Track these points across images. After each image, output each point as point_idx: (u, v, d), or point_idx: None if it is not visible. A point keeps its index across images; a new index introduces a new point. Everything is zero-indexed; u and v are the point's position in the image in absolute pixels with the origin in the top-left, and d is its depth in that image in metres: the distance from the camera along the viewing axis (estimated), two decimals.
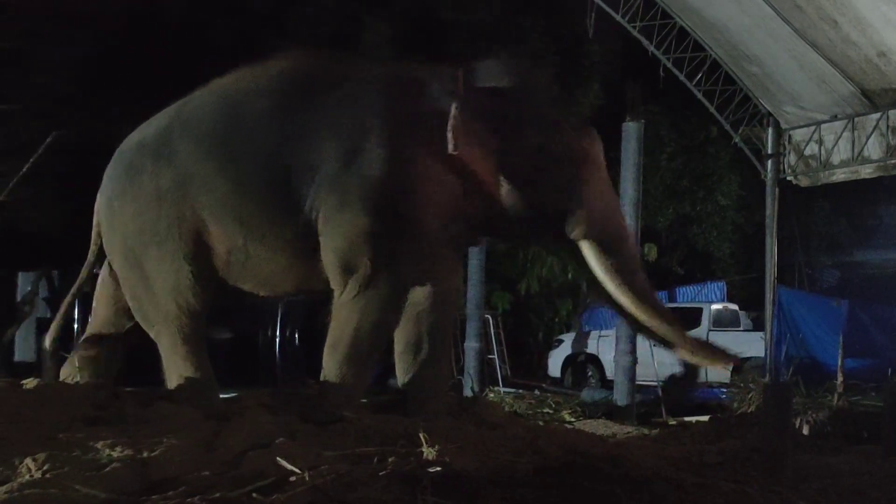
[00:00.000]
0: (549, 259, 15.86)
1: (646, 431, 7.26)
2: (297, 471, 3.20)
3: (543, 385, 13.01)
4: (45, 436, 3.56)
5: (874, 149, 10.51)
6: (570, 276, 15.91)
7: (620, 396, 9.40)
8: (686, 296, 16.08)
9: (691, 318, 13.08)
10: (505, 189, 4.43)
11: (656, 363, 8.93)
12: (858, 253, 19.93)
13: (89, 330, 5.16)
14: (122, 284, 4.83)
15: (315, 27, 13.58)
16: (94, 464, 3.26)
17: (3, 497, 2.85)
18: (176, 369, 4.63)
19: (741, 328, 13.64)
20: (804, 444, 5.83)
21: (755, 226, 15.91)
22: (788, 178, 11.61)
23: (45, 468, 3.13)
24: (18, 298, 12.11)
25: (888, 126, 10.26)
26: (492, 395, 9.85)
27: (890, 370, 8.94)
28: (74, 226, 5.91)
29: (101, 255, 5.00)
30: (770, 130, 11.42)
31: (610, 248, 4.54)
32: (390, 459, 3.38)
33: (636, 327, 4.77)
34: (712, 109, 11.51)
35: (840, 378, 8.20)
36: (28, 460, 3.18)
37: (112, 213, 4.80)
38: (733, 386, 9.46)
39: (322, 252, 4.41)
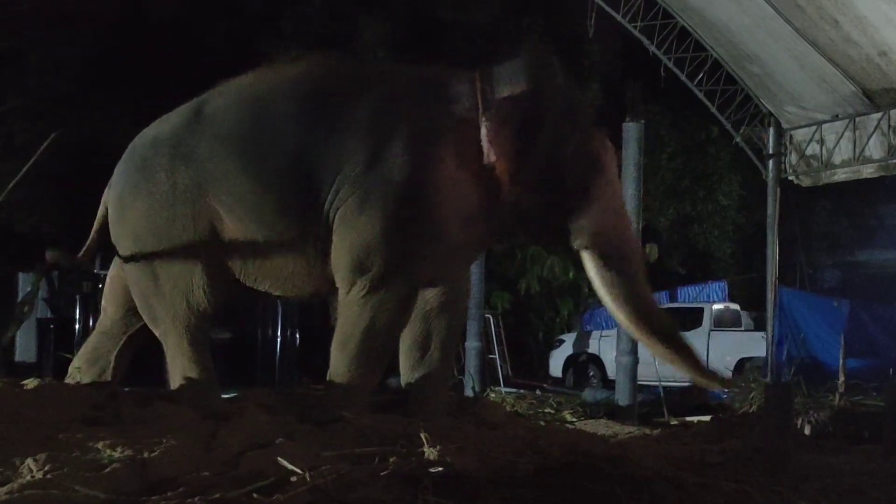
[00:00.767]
0: (549, 259, 15.87)
1: (647, 431, 7.25)
2: (297, 471, 3.19)
3: (545, 385, 13.02)
4: (45, 436, 3.54)
5: (875, 148, 10.52)
6: (570, 276, 15.94)
7: (622, 396, 9.41)
8: (687, 296, 16.07)
9: (692, 318, 13.10)
10: (523, 192, 4.42)
11: (658, 363, 8.91)
12: (860, 253, 19.90)
13: (98, 328, 5.14)
14: (128, 280, 4.79)
15: (314, 27, 13.60)
16: (94, 464, 3.24)
17: (4, 497, 2.84)
18: (180, 369, 4.60)
19: (742, 328, 13.64)
20: (805, 444, 5.83)
21: (756, 226, 15.89)
22: (790, 178, 11.62)
23: (45, 469, 3.13)
24: (18, 299, 12.09)
25: (889, 126, 10.27)
26: (493, 395, 9.83)
27: (891, 370, 8.92)
28: (74, 226, 5.90)
29: (99, 240, 4.93)
30: (771, 130, 11.44)
31: (611, 261, 4.52)
32: (391, 459, 3.36)
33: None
34: (713, 109, 11.52)
35: (841, 378, 8.22)
36: (29, 461, 3.17)
37: (123, 208, 4.73)
38: (735, 386, 9.44)
39: (333, 249, 4.40)
